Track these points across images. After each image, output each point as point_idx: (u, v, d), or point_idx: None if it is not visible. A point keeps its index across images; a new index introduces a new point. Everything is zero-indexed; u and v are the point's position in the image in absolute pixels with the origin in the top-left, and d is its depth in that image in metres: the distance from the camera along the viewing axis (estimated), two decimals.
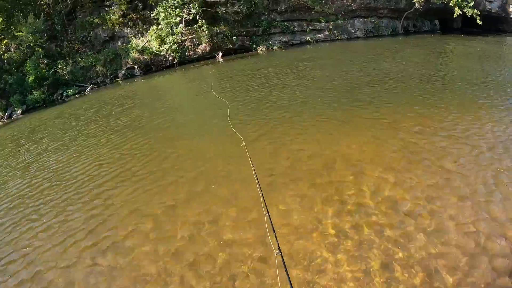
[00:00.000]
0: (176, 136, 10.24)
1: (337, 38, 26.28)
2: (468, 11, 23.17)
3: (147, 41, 23.81)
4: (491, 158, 6.42)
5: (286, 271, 3.31)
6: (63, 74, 22.50)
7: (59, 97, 21.51)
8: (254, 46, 24.98)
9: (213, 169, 7.51)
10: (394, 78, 12.85)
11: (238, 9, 23.88)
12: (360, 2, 26.57)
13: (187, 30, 23.42)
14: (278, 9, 25.94)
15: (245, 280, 4.50)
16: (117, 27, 25.33)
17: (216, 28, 24.00)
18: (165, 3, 22.60)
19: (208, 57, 24.13)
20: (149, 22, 24.83)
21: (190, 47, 23.77)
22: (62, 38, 25.31)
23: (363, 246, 4.71)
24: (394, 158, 6.83)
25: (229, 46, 24.33)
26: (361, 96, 10.93)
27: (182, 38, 23.39)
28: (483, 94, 10.15)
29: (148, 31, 24.33)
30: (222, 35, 24.05)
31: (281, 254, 3.54)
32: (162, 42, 23.33)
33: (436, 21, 28.89)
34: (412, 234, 4.81)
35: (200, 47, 23.89)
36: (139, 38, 24.36)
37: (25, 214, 7.28)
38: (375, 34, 27.06)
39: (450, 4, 23.38)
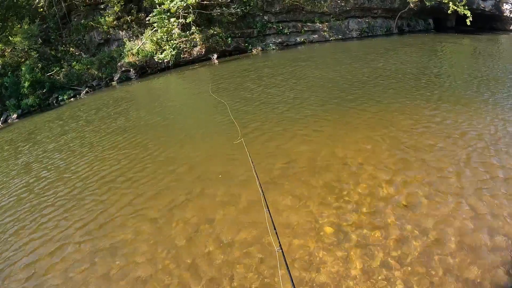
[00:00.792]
0: (175, 136, 10.27)
1: (331, 38, 26.38)
2: (460, 9, 23.38)
3: (142, 44, 23.84)
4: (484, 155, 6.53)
5: (287, 267, 3.35)
6: (58, 78, 22.50)
7: (54, 101, 21.48)
8: (249, 47, 25.05)
9: (213, 169, 7.54)
10: (388, 77, 12.95)
11: (233, 11, 23.96)
12: (354, 3, 26.68)
13: (183, 33, 23.44)
14: (273, 10, 26.02)
15: (246, 278, 4.52)
16: (111, 30, 25.39)
17: (211, 30, 24.05)
18: (157, 11, 22.54)
19: (203, 59, 24.15)
20: (144, 24, 24.87)
21: (185, 49, 23.80)
22: (57, 41, 25.31)
23: (360, 245, 4.75)
24: (390, 156, 6.88)
25: (224, 48, 24.38)
26: (357, 96, 11.00)
27: (177, 41, 23.41)
28: (475, 91, 10.27)
29: (143, 34, 24.37)
30: (217, 37, 24.10)
31: (282, 251, 3.59)
32: (158, 45, 23.32)
33: (430, 20, 29.07)
34: (411, 233, 4.86)
35: (195, 49, 23.92)
36: (134, 41, 24.39)
37: (20, 219, 7.25)
38: (369, 34, 27.20)
39: (444, 0, 23.54)
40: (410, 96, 10.39)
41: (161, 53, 22.99)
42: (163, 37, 22.96)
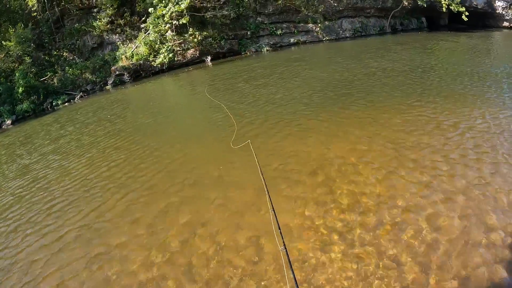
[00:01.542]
0: (174, 137, 10.32)
1: (325, 39, 26.46)
2: (454, 7, 23.52)
3: (136, 47, 23.86)
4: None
5: (291, 266, 3.40)
6: (52, 83, 22.48)
7: (48, 106, 21.43)
8: (243, 49, 25.10)
9: (212, 168, 7.60)
10: (382, 76, 13.04)
11: (226, 13, 24.00)
12: (347, 2, 26.76)
13: (177, 36, 23.47)
14: (266, 11, 26.07)
15: (247, 278, 4.57)
16: (105, 34, 25.36)
17: (204, 33, 24.08)
18: (154, 16, 22.58)
19: (197, 61, 24.18)
20: (137, 28, 24.89)
21: (179, 52, 23.83)
22: (50, 46, 25.28)
23: (356, 245, 4.80)
24: (386, 155, 6.94)
25: (218, 50, 24.42)
26: (351, 95, 11.08)
27: (171, 44, 23.44)
28: (467, 87, 10.39)
29: (137, 37, 24.39)
30: (210, 39, 24.13)
31: (286, 250, 3.64)
32: (152, 49, 23.35)
33: (423, 19, 29.20)
34: (411, 232, 4.92)
35: (189, 51, 23.94)
36: (128, 45, 24.41)
37: (14, 223, 7.26)
38: (362, 34, 27.31)
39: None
40: (403, 94, 10.47)
41: (155, 56, 23.03)
42: (156, 39, 22.98)
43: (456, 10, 23.68)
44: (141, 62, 23.35)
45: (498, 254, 4.33)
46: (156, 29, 22.80)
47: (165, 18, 22.11)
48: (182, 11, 21.93)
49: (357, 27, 27.40)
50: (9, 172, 10.91)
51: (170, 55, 22.95)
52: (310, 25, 26.53)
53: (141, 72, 23.55)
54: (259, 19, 26.26)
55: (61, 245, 6.13)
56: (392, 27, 28.25)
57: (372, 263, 4.46)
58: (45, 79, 22.46)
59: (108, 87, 22.87)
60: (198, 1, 23.33)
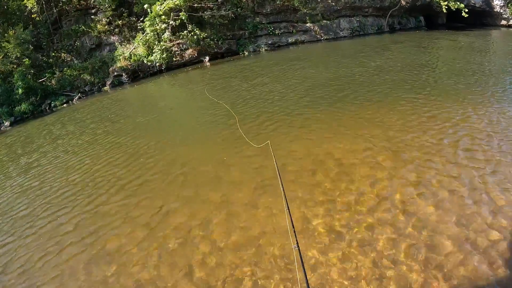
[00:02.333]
0: (174, 138, 10.34)
1: (323, 38, 26.45)
2: (452, 5, 23.57)
3: (134, 48, 23.86)
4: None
5: (302, 264, 3.43)
6: (51, 84, 22.47)
7: (47, 107, 21.42)
8: (241, 49, 25.09)
9: (211, 169, 7.64)
10: (379, 75, 13.05)
11: (224, 13, 24.00)
12: (345, 2, 26.73)
13: (174, 36, 23.45)
14: (264, 11, 26.06)
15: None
16: (103, 35, 25.34)
17: (203, 33, 24.08)
18: (151, 16, 22.57)
19: (195, 62, 24.17)
20: (135, 28, 24.87)
21: (177, 52, 23.82)
22: (48, 47, 25.27)
23: (356, 245, 4.85)
24: (384, 155, 6.98)
25: (216, 50, 24.41)
26: (349, 94, 11.11)
27: (169, 44, 23.43)
28: (467, 87, 10.44)
29: (135, 38, 24.38)
30: (208, 39, 24.12)
31: (299, 248, 3.67)
32: (149, 48, 23.34)
33: (421, 18, 29.17)
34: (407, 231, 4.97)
35: (187, 52, 23.93)
36: (126, 45, 24.40)
37: (9, 224, 7.28)
38: (361, 33, 27.28)
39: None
40: (402, 93, 10.52)
41: (151, 55, 23.01)
42: (153, 37, 22.94)
43: (455, 7, 23.70)
44: (139, 62, 23.33)
45: (497, 253, 4.37)
46: (153, 28, 22.77)
47: (162, 16, 22.03)
48: (179, 7, 21.87)
49: (355, 26, 27.38)
50: (13, 170, 10.95)
51: (164, 55, 22.88)
52: (308, 24, 26.52)
53: (139, 73, 23.55)
54: (257, 19, 26.24)
55: (60, 246, 6.14)
56: (390, 26, 28.22)
57: (371, 263, 4.52)
58: (43, 81, 22.45)
59: (107, 88, 22.86)
60: (196, 0, 23.32)
